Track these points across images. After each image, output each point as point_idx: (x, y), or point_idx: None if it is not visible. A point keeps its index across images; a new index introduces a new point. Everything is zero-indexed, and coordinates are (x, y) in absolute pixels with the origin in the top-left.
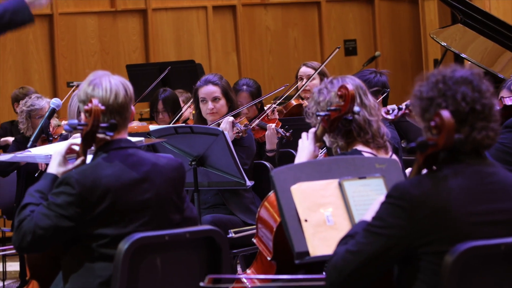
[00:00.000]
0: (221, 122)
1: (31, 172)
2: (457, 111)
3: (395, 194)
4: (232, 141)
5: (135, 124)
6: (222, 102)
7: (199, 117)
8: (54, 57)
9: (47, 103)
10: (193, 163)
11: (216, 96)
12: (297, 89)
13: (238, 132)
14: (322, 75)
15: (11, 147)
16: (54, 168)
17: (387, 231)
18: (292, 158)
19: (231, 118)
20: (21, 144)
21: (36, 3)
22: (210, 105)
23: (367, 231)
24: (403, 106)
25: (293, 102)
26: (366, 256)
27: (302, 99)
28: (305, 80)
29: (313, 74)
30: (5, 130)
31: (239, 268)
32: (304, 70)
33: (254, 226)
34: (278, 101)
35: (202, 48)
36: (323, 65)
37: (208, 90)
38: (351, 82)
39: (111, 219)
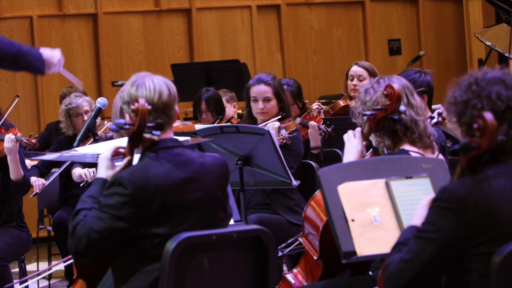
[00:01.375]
0: (268, 124)
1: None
2: (494, 111)
3: (442, 197)
4: (280, 145)
5: (180, 124)
6: (273, 102)
7: (249, 116)
8: (99, 56)
9: (85, 101)
10: (239, 162)
11: (267, 96)
12: (345, 89)
13: (283, 139)
14: (373, 76)
15: (52, 148)
16: (102, 172)
17: (438, 235)
18: (337, 157)
19: (277, 124)
20: (62, 144)
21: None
22: (260, 104)
23: (419, 238)
24: (435, 115)
25: (341, 102)
26: (420, 263)
27: (351, 99)
28: (355, 80)
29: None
30: (50, 130)
31: (284, 267)
32: (355, 69)
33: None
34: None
35: (246, 48)
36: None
37: (260, 89)
38: (398, 82)
39: (162, 218)
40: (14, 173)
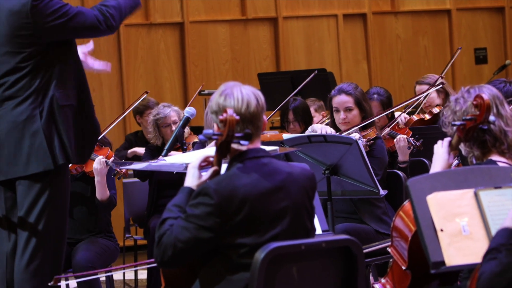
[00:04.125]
0: (350, 133)
1: (162, 180)
2: None
3: None
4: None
5: (268, 133)
6: (355, 112)
7: (333, 126)
8: (185, 65)
9: (174, 111)
10: (326, 172)
11: (348, 106)
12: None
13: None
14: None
15: (145, 154)
16: (189, 181)
17: None
18: (423, 166)
19: (357, 135)
20: (154, 151)
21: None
22: (342, 115)
23: (509, 250)
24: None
25: (414, 117)
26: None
27: (424, 112)
28: (426, 88)
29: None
30: (129, 142)
31: (371, 277)
32: (419, 88)
33: (383, 241)
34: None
35: (332, 56)
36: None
37: (341, 100)
38: (488, 92)
39: (249, 228)
40: (100, 193)
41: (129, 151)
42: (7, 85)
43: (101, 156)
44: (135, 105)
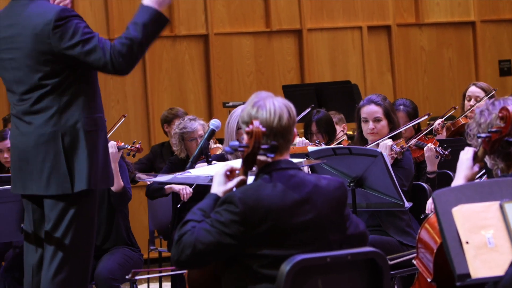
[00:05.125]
0: (380, 143)
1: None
2: None
3: None
4: (391, 163)
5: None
6: (383, 123)
7: (360, 137)
8: (210, 77)
9: (199, 125)
10: (351, 184)
11: (377, 116)
12: (462, 109)
13: (395, 154)
14: (490, 96)
15: (164, 168)
16: (215, 188)
17: None
18: (448, 179)
19: (390, 142)
20: (175, 165)
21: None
22: (371, 125)
23: None
24: None
25: (461, 120)
26: None
27: (466, 117)
28: (473, 100)
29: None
30: (155, 153)
31: None
32: (473, 90)
33: (408, 253)
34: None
35: (357, 69)
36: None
37: (371, 110)
38: None
39: (272, 239)
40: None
41: (166, 186)
42: (32, 100)
43: (113, 141)
44: (113, 130)
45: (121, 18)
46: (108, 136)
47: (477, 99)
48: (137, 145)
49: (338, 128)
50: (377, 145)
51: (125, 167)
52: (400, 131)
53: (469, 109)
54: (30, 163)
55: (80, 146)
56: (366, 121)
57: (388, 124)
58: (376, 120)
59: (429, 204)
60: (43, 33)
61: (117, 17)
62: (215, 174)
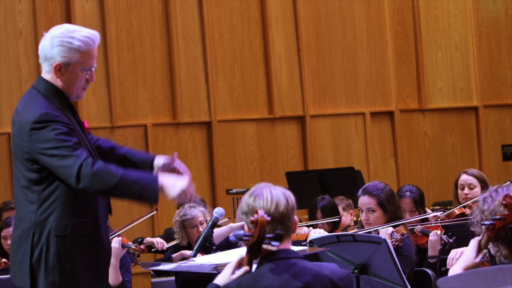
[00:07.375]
0: (380, 230)
1: (187, 280)
2: None
3: None
4: None
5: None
6: (377, 214)
7: (361, 225)
8: (213, 164)
9: (199, 211)
10: (355, 271)
11: (370, 207)
12: (455, 198)
13: (395, 241)
14: (483, 183)
15: (167, 253)
16: (219, 279)
17: None
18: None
19: (391, 230)
20: (178, 251)
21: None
22: (364, 216)
23: None
24: None
25: (456, 211)
26: None
27: (464, 207)
28: (466, 189)
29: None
30: (168, 235)
31: None
32: (464, 178)
33: None
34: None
35: (360, 154)
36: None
37: (363, 201)
38: None
39: None
40: (112, 277)
41: (175, 254)
42: (26, 191)
43: (119, 237)
44: (141, 219)
45: (124, 106)
46: (129, 227)
47: (470, 187)
48: (142, 246)
49: (346, 214)
50: (377, 231)
51: (128, 260)
52: (400, 218)
53: (464, 199)
54: (12, 252)
55: (50, 249)
56: (361, 211)
57: (384, 213)
58: (369, 211)
59: (450, 259)
60: (24, 132)
61: (120, 105)
62: (227, 266)
